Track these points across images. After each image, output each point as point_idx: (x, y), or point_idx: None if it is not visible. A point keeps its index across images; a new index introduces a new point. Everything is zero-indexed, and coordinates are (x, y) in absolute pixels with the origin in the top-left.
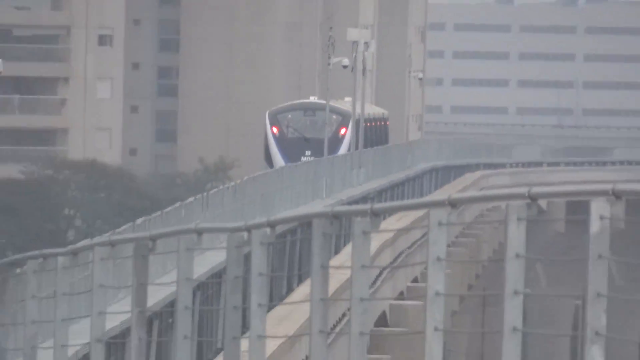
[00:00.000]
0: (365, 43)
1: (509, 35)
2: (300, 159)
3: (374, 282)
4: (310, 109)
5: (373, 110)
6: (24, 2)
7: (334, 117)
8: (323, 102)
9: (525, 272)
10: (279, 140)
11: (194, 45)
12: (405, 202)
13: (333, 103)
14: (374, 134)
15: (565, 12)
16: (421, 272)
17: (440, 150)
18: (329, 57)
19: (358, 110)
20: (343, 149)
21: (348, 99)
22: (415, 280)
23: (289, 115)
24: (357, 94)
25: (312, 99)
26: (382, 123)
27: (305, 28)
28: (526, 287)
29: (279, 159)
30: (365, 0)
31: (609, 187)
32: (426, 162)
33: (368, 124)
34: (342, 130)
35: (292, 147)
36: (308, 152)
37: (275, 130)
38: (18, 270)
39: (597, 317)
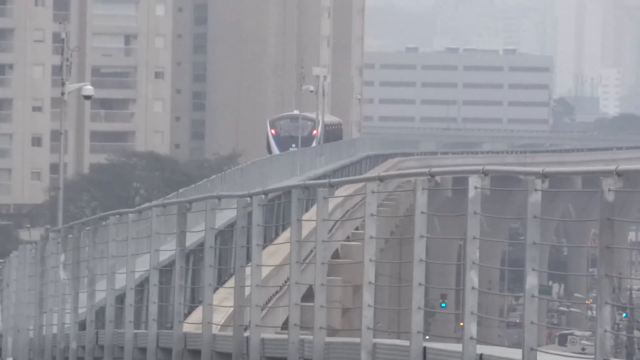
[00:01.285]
0: (324, 76)
1: (414, 72)
2: (288, 149)
3: (330, 230)
4: (295, 118)
5: (332, 119)
6: (108, 50)
7: (309, 123)
8: (302, 113)
9: (427, 223)
10: (275, 137)
11: (216, 76)
12: (351, 178)
13: (308, 114)
14: (333, 134)
15: (450, 57)
16: (361, 223)
17: (372, 144)
18: (301, 85)
19: (323, 118)
20: (314, 143)
21: (326, 114)
22: (357, 228)
23: (282, 122)
24: (320, 108)
25: (296, 112)
26: (339, 127)
27: (286, 66)
28: (427, 233)
29: (275, 149)
30: (323, 48)
31: (480, 167)
32: (363, 152)
33: (329, 128)
34: (314, 132)
35: (283, 142)
36: (293, 145)
37: (273, 131)
38: (104, 223)
39: (473, 252)
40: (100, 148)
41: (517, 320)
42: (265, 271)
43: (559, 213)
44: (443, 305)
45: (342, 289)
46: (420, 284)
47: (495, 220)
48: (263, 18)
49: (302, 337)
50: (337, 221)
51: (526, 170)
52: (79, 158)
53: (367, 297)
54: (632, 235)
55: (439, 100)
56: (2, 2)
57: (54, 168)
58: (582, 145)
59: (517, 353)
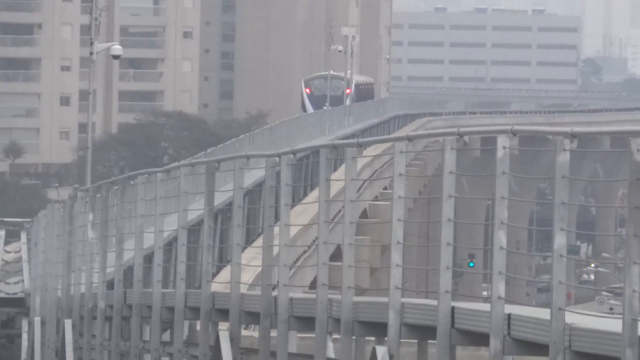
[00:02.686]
0: (353, 36)
1: (443, 32)
2: (322, 108)
3: (359, 189)
4: (326, 78)
5: (364, 78)
6: (137, 10)
7: (342, 82)
8: (338, 73)
9: (455, 183)
10: (310, 96)
11: (245, 36)
12: (379, 137)
13: (341, 74)
14: (365, 93)
15: (479, 17)
16: (389, 183)
17: (400, 104)
18: (330, 45)
19: (354, 78)
20: (347, 102)
21: (354, 74)
22: (385, 188)
23: (316, 82)
24: (348, 68)
25: (330, 71)
26: (370, 86)
27: (315, 26)
28: (455, 192)
29: (309, 108)
30: (352, 8)
31: (508, 127)
32: (392, 112)
33: (361, 87)
34: (347, 91)
35: (317, 101)
36: (327, 104)
37: (308, 90)
38: (132, 182)
39: (501, 212)
40: (129, 108)
41: (546, 281)
42: (293, 231)
43: (588, 173)
44: (471, 264)
45: (370, 248)
46: (448, 244)
47: (523, 180)
48: None
49: (330, 296)
50: (365, 181)
51: (554, 130)
52: (107, 118)
53: (395, 256)
54: None
55: (467, 60)
56: None
57: (82, 127)
58: (611, 105)
59: (545, 313)
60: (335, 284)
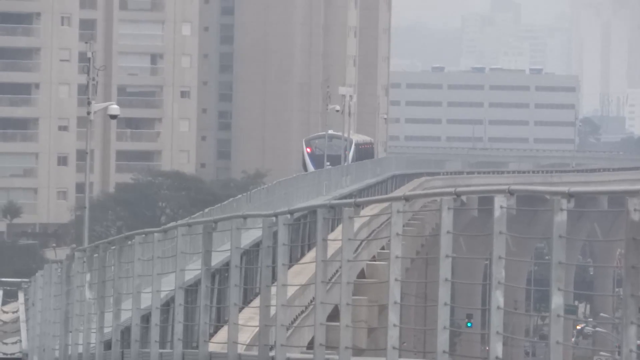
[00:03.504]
0: (350, 95)
1: (440, 91)
2: (323, 167)
3: (356, 250)
4: (329, 137)
5: (364, 138)
6: (134, 70)
7: (342, 142)
8: (338, 133)
9: (453, 242)
10: (311, 155)
11: (242, 96)
12: (376, 197)
13: (342, 134)
14: (365, 152)
15: (476, 76)
16: (386, 242)
17: (398, 164)
18: (327, 104)
19: (353, 138)
20: (349, 160)
21: (353, 133)
22: (382, 248)
23: (317, 141)
24: (346, 128)
25: (330, 132)
26: (370, 146)
27: (312, 85)
28: (453, 252)
29: (310, 167)
30: (349, 67)
31: (505, 187)
32: (389, 171)
33: (361, 147)
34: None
35: (318, 160)
36: (328, 163)
37: (308, 149)
38: (129, 242)
39: (499, 272)
40: (126, 167)
41: (543, 341)
42: (290, 291)
43: (585, 233)
44: (469, 325)
45: (368, 308)
46: (445, 304)
47: (521, 240)
48: (289, 37)
49: (327, 357)
50: (362, 241)
51: (552, 190)
52: (104, 177)
53: (393, 316)
54: None
55: (465, 120)
56: (28, 22)
57: (80, 187)
58: (608, 165)
59: None
60: (332, 344)
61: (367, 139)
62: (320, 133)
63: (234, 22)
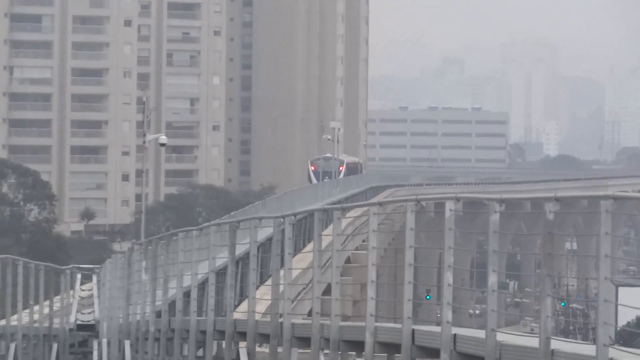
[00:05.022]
0: (338, 128)
1: (406, 124)
2: (323, 180)
3: (343, 242)
4: (327, 158)
5: (354, 159)
6: (178, 110)
7: (337, 162)
8: (333, 156)
9: (415, 236)
10: (314, 172)
11: (258, 129)
12: (358, 203)
13: (336, 156)
14: (354, 169)
15: (432, 113)
16: (366, 237)
17: (374, 179)
18: (322, 135)
19: (347, 159)
20: (342, 176)
21: (344, 155)
22: (363, 241)
23: (318, 161)
24: (335, 152)
25: (328, 154)
26: (357, 165)
27: (310, 120)
28: (415, 244)
29: (314, 180)
30: (338, 107)
31: (454, 195)
32: (368, 184)
33: (350, 165)
34: (341, 168)
35: (319, 175)
36: (327, 177)
37: (312, 167)
38: (174, 238)
39: (449, 258)
40: (172, 182)
41: (480, 310)
42: (294, 273)
43: (514, 228)
44: (428, 297)
45: (352, 286)
46: (410, 282)
47: (465, 235)
48: (292, 86)
49: (322, 322)
50: (348, 235)
51: (488, 197)
52: (156, 189)
53: (371, 292)
54: (567, 245)
55: (424, 145)
56: (99, 75)
57: (138, 197)
58: (531, 178)
59: (482, 333)
60: (326, 313)
61: (355, 159)
62: (321, 155)
63: (251, 75)
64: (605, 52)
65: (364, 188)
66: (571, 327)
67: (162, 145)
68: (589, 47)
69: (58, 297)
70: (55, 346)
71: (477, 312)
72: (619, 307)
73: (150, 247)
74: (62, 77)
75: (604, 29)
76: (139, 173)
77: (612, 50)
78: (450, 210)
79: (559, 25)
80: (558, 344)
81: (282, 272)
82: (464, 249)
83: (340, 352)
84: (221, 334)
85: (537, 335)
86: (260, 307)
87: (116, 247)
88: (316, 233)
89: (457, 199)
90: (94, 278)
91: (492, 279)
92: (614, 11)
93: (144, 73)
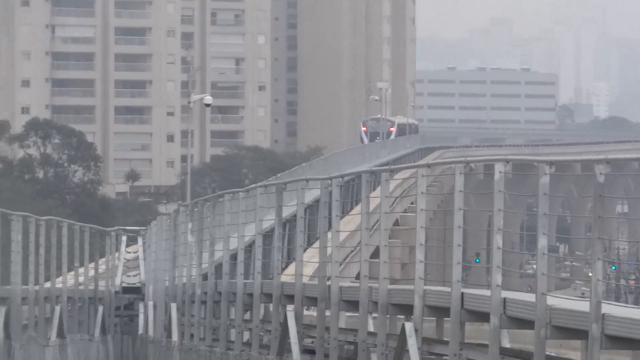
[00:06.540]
0: (386, 89)
1: (454, 85)
2: (375, 140)
3: (391, 205)
4: (378, 119)
5: (407, 120)
6: (223, 70)
7: (389, 123)
8: (382, 116)
9: (464, 199)
10: (366, 132)
11: (305, 89)
12: (406, 165)
13: (384, 117)
14: (411, 130)
15: (480, 74)
16: (414, 199)
17: (423, 140)
18: (369, 96)
19: (399, 120)
20: (393, 136)
21: (399, 116)
22: (411, 203)
23: (370, 122)
24: (382, 113)
25: (379, 116)
26: (414, 125)
27: (357, 81)
28: (464, 206)
29: (365, 140)
30: (385, 67)
31: (503, 157)
32: (416, 146)
33: (402, 126)
34: (392, 129)
35: (371, 136)
36: (378, 138)
37: (364, 128)
38: (220, 200)
39: (499, 221)
40: (218, 143)
41: (532, 272)
42: (342, 236)
43: (564, 191)
44: (477, 260)
45: (401, 249)
46: (459, 245)
47: (515, 197)
48: (339, 45)
49: (370, 285)
50: (396, 198)
51: (538, 159)
52: (202, 151)
53: (420, 255)
54: (618, 208)
55: (472, 107)
56: (143, 34)
57: (184, 158)
58: (581, 140)
59: (532, 297)
60: (374, 276)
61: (409, 120)
62: (373, 116)
63: (297, 34)
64: None
65: (412, 149)
66: (622, 291)
67: (207, 105)
68: (638, 7)
69: (103, 259)
70: (100, 309)
71: (526, 276)
72: None
73: (196, 209)
74: (105, 36)
75: None
76: (184, 134)
77: None
78: (500, 172)
79: None
80: (609, 308)
81: (329, 235)
82: (513, 211)
83: (388, 316)
84: (268, 297)
85: (588, 299)
86: (308, 270)
87: (161, 208)
88: (364, 195)
89: (507, 161)
90: (140, 240)
91: (542, 242)
92: None
93: (187, 32)
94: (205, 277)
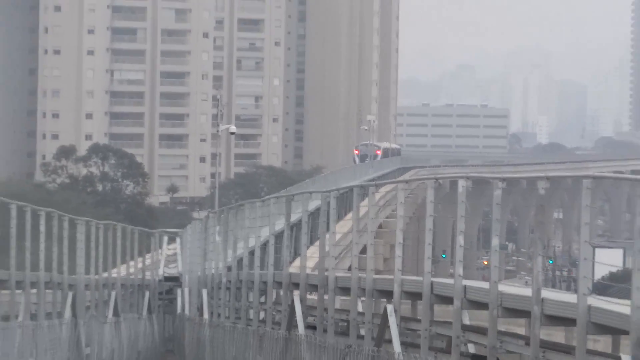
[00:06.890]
0: (373, 120)
1: (428, 118)
2: (364, 161)
3: (377, 212)
4: (368, 145)
5: (391, 145)
6: (245, 105)
7: (376, 147)
8: (370, 142)
9: (434, 208)
10: (358, 155)
11: (309, 122)
12: (388, 181)
13: (372, 143)
14: (392, 153)
15: (449, 109)
16: (394, 207)
17: (402, 161)
18: (360, 126)
19: (384, 145)
20: (379, 158)
21: (386, 142)
22: (393, 211)
23: (361, 147)
24: (371, 140)
25: (368, 142)
26: (397, 149)
27: (350, 114)
28: (434, 214)
29: (357, 161)
30: (373, 103)
31: (465, 175)
32: (396, 166)
33: (387, 150)
34: (378, 152)
35: (361, 158)
36: (367, 159)
37: (357, 151)
38: (242, 208)
39: (461, 225)
40: (240, 164)
41: (486, 264)
42: (337, 236)
43: (513, 201)
44: (444, 256)
45: (384, 246)
46: (429, 244)
47: (474, 206)
48: (337, 85)
49: (359, 275)
50: (380, 207)
51: (493, 176)
52: (227, 169)
53: (398, 251)
54: (555, 215)
55: (442, 135)
56: (182, 77)
57: (213, 175)
58: (526, 162)
59: (486, 285)
60: (363, 268)
61: (392, 145)
62: (363, 142)
63: (304, 77)
64: (587, 57)
65: (393, 168)
66: (557, 280)
67: (232, 133)
68: (576, 55)
69: (149, 254)
70: (147, 294)
71: (482, 268)
72: (595, 265)
73: (222, 215)
74: (152, 79)
75: (586, 36)
76: (214, 156)
77: (592, 56)
78: (462, 186)
79: (553, 33)
80: (547, 293)
81: (327, 236)
82: (472, 217)
83: (373, 299)
84: (279, 284)
85: (530, 286)
86: (310, 263)
87: (195, 215)
88: (355, 204)
89: (468, 178)
90: (178, 240)
91: (495, 242)
92: (594, 20)
93: (218, 76)
94: (229, 268)
